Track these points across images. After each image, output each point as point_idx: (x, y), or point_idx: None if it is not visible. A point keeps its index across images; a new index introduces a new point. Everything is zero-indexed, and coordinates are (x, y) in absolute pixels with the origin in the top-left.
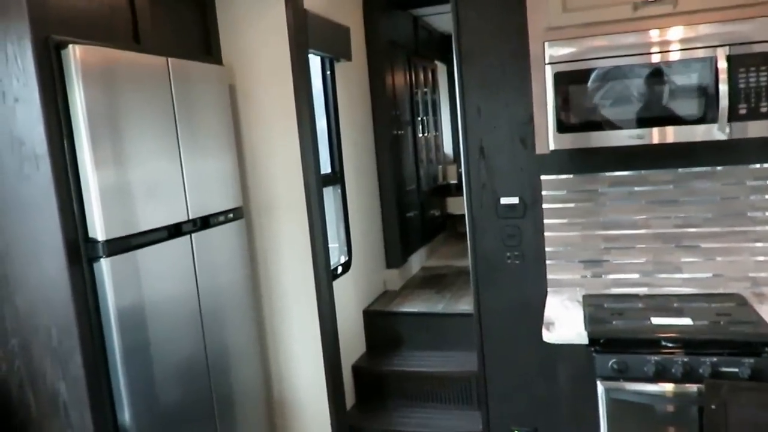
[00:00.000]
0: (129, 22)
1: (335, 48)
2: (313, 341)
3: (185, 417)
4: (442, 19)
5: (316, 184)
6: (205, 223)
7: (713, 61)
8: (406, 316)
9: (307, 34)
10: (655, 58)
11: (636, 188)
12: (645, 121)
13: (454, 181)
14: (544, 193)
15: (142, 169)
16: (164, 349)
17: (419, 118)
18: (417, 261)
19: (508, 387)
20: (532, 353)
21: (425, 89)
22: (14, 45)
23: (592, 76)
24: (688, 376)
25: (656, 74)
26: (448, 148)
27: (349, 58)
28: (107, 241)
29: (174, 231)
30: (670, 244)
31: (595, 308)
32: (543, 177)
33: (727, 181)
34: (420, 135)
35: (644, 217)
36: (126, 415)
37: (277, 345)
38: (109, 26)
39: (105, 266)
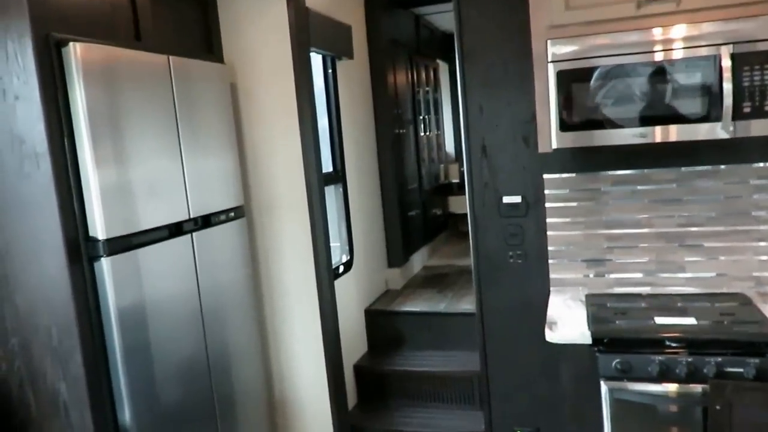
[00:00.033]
0: (130, 20)
1: (337, 46)
2: (315, 341)
3: (186, 417)
4: (443, 18)
5: (317, 182)
6: (206, 222)
7: (717, 59)
8: (407, 316)
9: (308, 32)
10: (659, 57)
11: (639, 187)
12: (648, 119)
13: (455, 180)
14: (546, 191)
15: (143, 168)
16: (165, 349)
17: (421, 117)
18: (419, 260)
19: (511, 387)
20: (534, 353)
21: (427, 88)
22: (15, 43)
23: (595, 74)
24: (693, 376)
25: (659, 72)
26: (449, 146)
27: (350, 56)
28: (108, 240)
29: (175, 230)
30: (674, 243)
31: (598, 308)
32: (545, 176)
33: (730, 180)
34: (422, 134)
35: (647, 216)
36: (126, 415)
37: (279, 344)
38: (110, 24)
39: (105, 265)
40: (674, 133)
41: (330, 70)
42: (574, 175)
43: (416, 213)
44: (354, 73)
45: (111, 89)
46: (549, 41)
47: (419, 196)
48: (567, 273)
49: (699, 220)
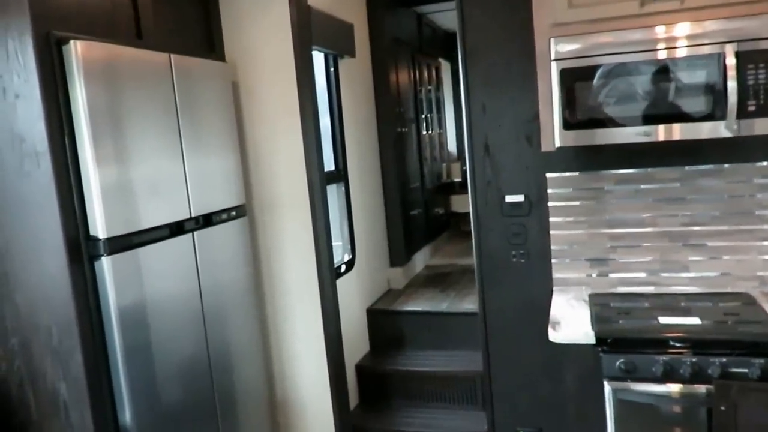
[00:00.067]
0: (131, 18)
1: (339, 45)
2: (316, 340)
3: (187, 417)
4: (446, 17)
5: (319, 181)
6: (207, 221)
7: (721, 57)
8: (410, 315)
9: (310, 30)
10: (662, 55)
11: (642, 186)
12: (651, 118)
13: (458, 179)
14: (549, 190)
15: (144, 167)
16: (166, 348)
17: (423, 116)
18: (421, 259)
19: (513, 387)
20: (537, 353)
21: (429, 87)
22: (15, 41)
23: (599, 72)
24: (697, 376)
25: (663, 71)
26: (452, 145)
27: (352, 55)
28: (108, 239)
29: (176, 229)
30: (677, 242)
31: (601, 307)
32: (548, 175)
33: (734, 178)
34: (424, 132)
35: (650, 215)
36: (127, 415)
37: (280, 344)
38: (111, 22)
39: (106, 264)
40: (678, 131)
41: (332, 69)
42: (577, 174)
43: (418, 212)
44: (356, 72)
45: (112, 88)
46: (552, 39)
47: (421, 195)
48: (570, 272)
49: (703, 220)
